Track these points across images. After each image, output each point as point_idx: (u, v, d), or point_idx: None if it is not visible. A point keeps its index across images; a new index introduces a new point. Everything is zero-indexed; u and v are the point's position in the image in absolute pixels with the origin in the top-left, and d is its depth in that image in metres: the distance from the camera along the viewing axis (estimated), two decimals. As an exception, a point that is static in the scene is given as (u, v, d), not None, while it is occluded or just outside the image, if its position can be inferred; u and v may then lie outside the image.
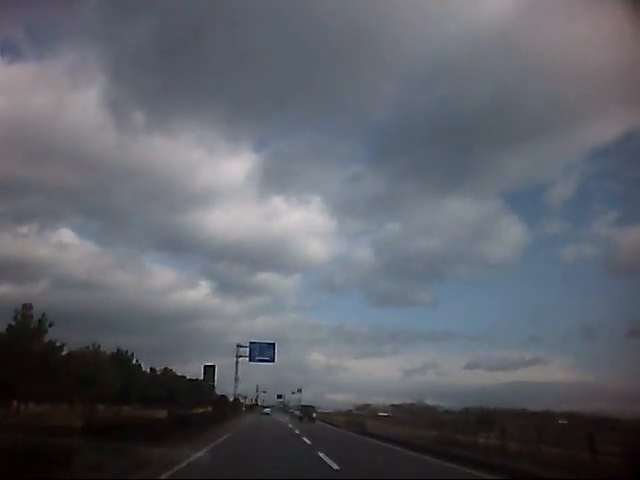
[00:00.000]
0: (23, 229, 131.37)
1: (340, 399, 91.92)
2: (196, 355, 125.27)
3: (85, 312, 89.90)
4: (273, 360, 65.13)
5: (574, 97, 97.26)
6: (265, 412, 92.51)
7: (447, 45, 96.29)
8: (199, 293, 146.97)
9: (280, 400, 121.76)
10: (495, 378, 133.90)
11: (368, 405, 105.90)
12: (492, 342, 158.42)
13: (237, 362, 67.37)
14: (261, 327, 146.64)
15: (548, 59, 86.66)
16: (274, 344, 65.69)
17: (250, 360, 65.94)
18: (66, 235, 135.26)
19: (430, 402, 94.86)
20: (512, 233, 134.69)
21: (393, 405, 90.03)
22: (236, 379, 69.86)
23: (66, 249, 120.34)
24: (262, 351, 64.97)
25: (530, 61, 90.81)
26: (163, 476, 9.88)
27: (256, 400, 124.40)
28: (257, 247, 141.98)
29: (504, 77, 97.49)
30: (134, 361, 55.93)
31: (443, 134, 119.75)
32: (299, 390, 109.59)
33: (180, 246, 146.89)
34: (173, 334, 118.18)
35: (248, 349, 65.75)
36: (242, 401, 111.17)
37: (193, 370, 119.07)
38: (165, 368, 70.55)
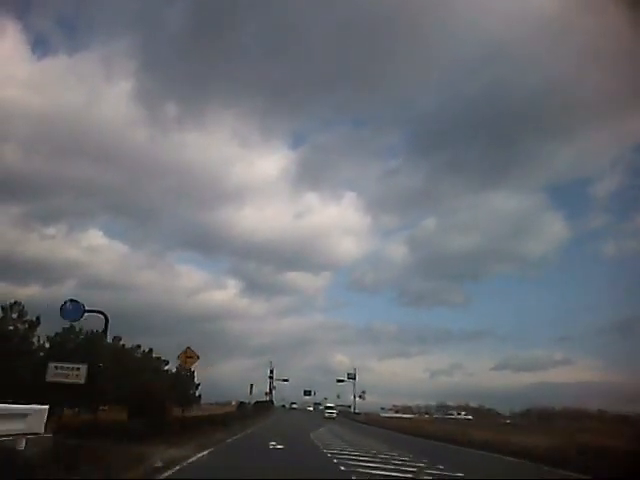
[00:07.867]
0: (51, 229, 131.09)
1: (364, 401, 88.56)
2: (222, 356, 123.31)
3: (111, 312, 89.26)
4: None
5: (624, 86, 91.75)
6: (292, 407, 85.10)
7: (494, 30, 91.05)
8: (227, 293, 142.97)
9: (308, 397, 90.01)
10: (523, 379, 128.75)
11: (409, 407, 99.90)
12: (521, 342, 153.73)
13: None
14: (288, 328, 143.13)
15: (600, 46, 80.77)
16: None
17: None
18: (94, 235, 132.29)
19: (453, 404, 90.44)
20: (551, 229, 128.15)
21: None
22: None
23: (93, 249, 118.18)
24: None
25: (581, 48, 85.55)
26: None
27: (269, 392, 78.11)
28: (288, 245, 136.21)
29: (553, 64, 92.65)
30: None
31: (486, 125, 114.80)
32: (351, 376, 73.24)
33: (209, 245, 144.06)
34: (199, 334, 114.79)
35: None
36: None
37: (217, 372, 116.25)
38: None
